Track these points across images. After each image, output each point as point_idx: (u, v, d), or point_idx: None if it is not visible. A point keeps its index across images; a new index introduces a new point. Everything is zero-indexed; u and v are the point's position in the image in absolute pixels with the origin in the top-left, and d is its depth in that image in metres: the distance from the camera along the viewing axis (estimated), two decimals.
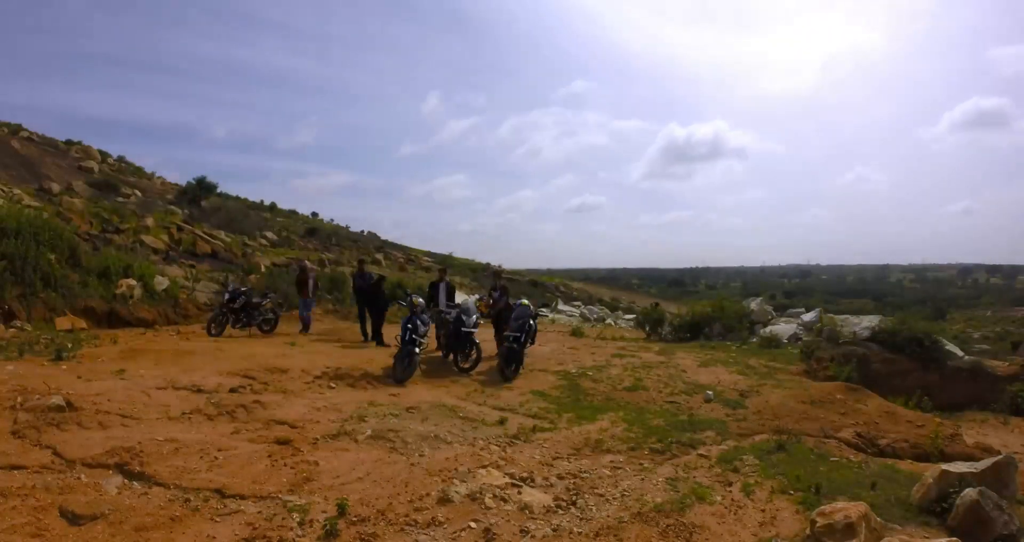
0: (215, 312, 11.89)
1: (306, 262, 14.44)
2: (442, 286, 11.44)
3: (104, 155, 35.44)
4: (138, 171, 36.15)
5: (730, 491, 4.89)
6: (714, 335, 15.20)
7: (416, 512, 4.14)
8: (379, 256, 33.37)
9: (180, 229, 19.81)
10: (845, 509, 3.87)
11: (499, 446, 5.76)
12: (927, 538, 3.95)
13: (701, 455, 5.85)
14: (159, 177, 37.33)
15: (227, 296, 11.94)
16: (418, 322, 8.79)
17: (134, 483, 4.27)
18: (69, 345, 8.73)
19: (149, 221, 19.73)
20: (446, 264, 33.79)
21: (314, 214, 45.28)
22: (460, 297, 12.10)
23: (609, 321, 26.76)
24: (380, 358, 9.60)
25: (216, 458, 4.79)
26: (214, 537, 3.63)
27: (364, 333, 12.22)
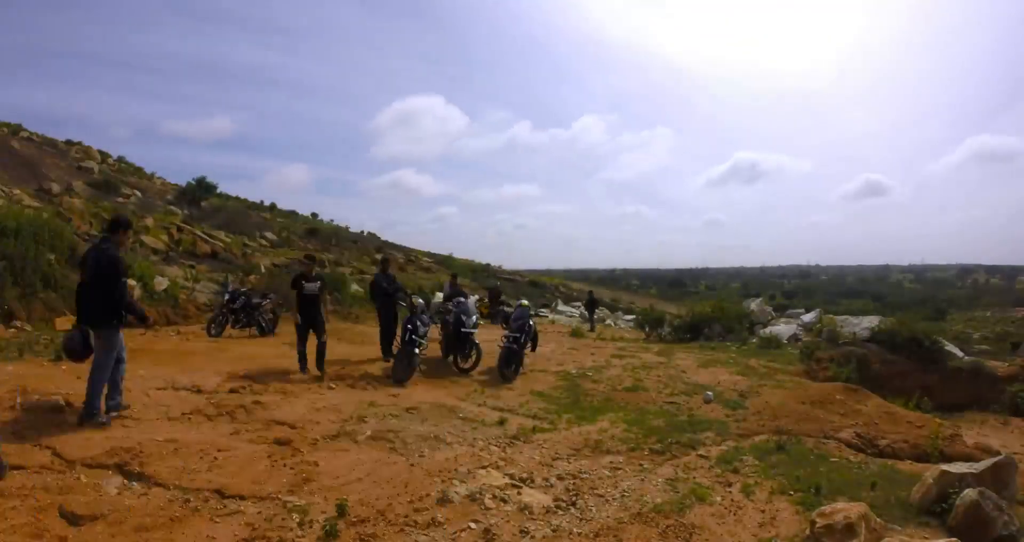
0: (215, 313, 11.88)
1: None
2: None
3: (104, 155, 35.44)
4: (138, 171, 36.16)
5: (730, 492, 4.90)
6: (714, 336, 15.21)
7: (416, 513, 4.14)
8: (379, 256, 33.37)
9: (180, 229, 19.80)
10: (845, 509, 3.87)
11: (499, 447, 5.76)
12: (927, 538, 3.95)
13: (701, 456, 5.85)
14: (159, 177, 37.34)
15: (227, 296, 11.93)
16: (418, 322, 8.78)
17: (134, 483, 4.27)
18: None
19: (149, 221, 19.73)
20: (447, 265, 33.83)
21: (314, 214, 45.30)
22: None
23: (609, 322, 26.78)
24: (380, 359, 9.60)
25: (216, 458, 4.79)
26: (214, 537, 3.62)
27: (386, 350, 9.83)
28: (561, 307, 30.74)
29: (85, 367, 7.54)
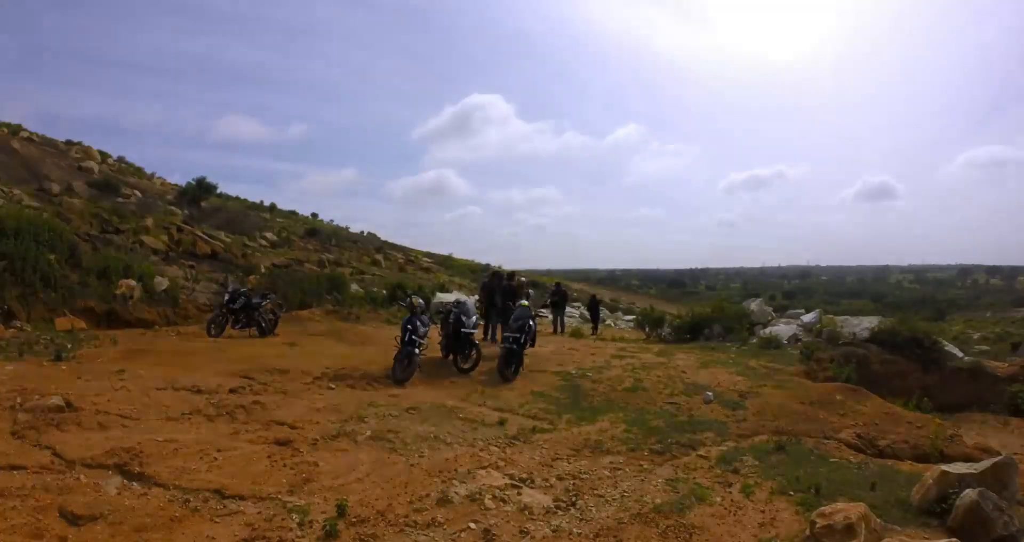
0: (215, 313, 11.87)
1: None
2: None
3: (104, 155, 35.43)
4: (138, 172, 36.15)
5: (730, 492, 4.90)
6: (714, 336, 15.18)
7: (416, 513, 4.14)
8: (379, 257, 33.36)
9: (180, 230, 19.80)
10: (845, 510, 3.87)
11: (499, 447, 5.76)
12: (927, 539, 3.96)
13: (701, 456, 5.86)
14: (159, 177, 37.34)
15: (227, 297, 11.92)
16: (418, 323, 8.77)
17: (134, 484, 4.27)
18: (69, 345, 8.73)
19: (149, 222, 19.73)
20: (447, 265, 33.81)
21: (314, 215, 45.28)
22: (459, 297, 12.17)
23: (609, 322, 26.76)
24: (380, 359, 9.58)
25: (216, 459, 4.79)
26: (214, 538, 3.63)
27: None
28: None
29: (84, 367, 7.60)
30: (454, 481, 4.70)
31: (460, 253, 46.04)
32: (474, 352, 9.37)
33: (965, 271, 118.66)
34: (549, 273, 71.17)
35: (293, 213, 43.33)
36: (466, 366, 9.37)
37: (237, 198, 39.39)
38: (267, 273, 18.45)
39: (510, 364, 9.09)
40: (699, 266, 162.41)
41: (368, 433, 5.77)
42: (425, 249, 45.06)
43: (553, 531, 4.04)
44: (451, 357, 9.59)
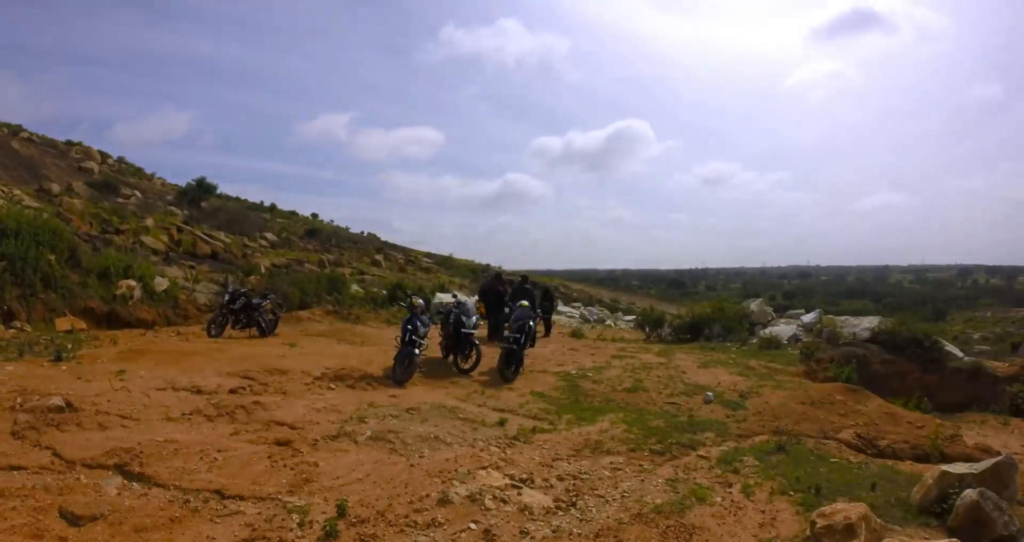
0: (215, 313, 11.86)
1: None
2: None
3: (104, 156, 35.47)
4: (138, 172, 36.18)
5: (730, 492, 4.90)
6: (714, 336, 15.19)
7: (416, 513, 4.14)
8: (379, 257, 33.37)
9: (180, 230, 19.82)
10: (845, 510, 3.88)
11: (499, 447, 5.77)
12: (927, 539, 3.96)
13: (701, 456, 5.86)
14: (159, 178, 37.38)
15: (227, 297, 11.91)
16: (418, 323, 8.77)
17: (134, 484, 4.27)
18: (69, 346, 8.72)
19: (149, 222, 19.75)
20: (447, 265, 33.83)
21: (314, 215, 45.31)
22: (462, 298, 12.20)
23: (609, 322, 26.77)
24: (380, 359, 9.59)
25: (216, 459, 4.79)
26: (214, 538, 3.63)
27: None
28: (561, 307, 30.73)
29: (85, 368, 7.59)
30: (454, 481, 4.70)
31: (462, 253, 46.07)
32: (474, 352, 9.37)
33: (965, 271, 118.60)
34: (549, 273, 71.22)
35: (293, 213, 43.38)
36: (466, 366, 9.37)
37: (237, 198, 39.43)
38: (267, 273, 18.46)
39: (510, 364, 9.09)
40: (699, 266, 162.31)
41: (368, 433, 5.77)
42: (427, 250, 45.10)
43: (553, 531, 4.04)
44: (451, 357, 9.59)
